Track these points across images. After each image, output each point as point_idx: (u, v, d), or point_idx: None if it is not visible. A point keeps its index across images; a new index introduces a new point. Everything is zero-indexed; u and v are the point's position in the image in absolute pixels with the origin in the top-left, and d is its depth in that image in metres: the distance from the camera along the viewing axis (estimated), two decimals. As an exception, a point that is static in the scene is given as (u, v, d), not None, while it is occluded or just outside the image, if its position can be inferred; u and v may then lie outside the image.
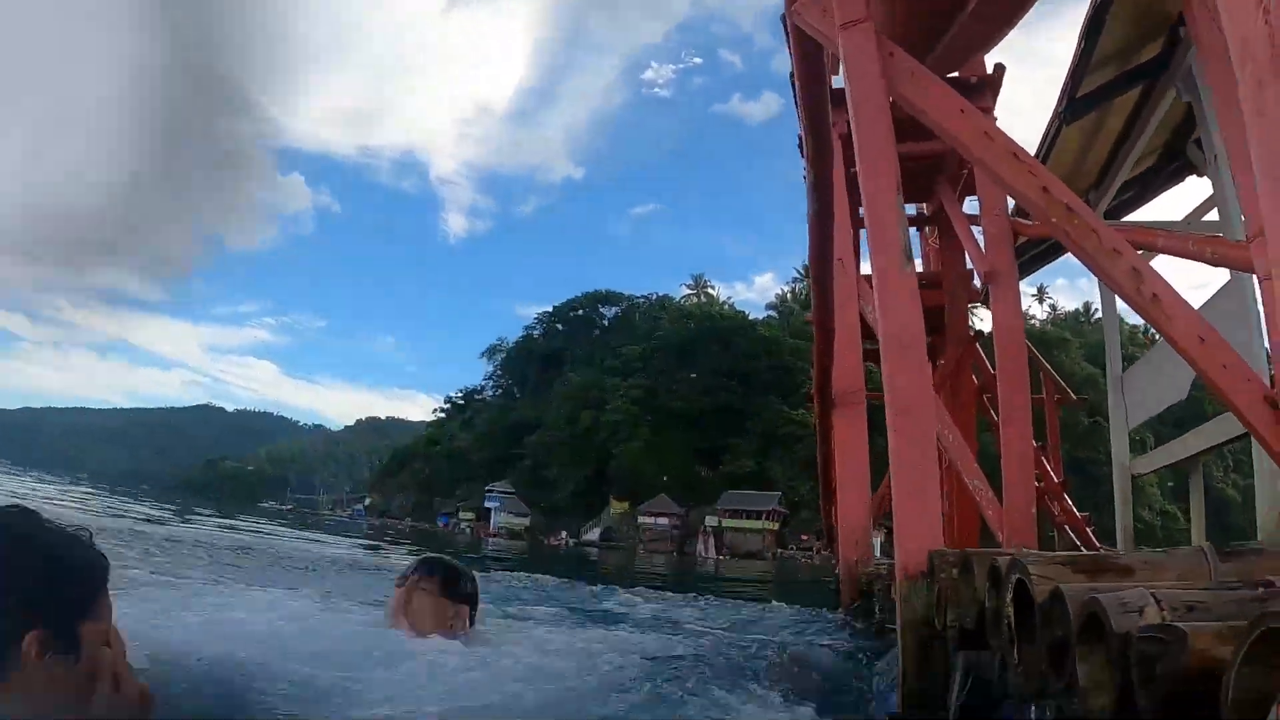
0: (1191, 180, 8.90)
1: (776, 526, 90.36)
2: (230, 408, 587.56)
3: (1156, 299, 3.11)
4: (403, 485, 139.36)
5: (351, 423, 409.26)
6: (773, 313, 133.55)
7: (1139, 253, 3.61)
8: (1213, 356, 3.11)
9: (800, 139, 10.58)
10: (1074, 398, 11.34)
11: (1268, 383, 3.16)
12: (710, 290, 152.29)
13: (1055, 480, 9.77)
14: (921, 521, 2.81)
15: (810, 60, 4.39)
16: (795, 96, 10.13)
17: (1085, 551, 8.50)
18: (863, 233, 9.51)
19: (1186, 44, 6.46)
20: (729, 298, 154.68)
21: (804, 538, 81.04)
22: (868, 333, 7.62)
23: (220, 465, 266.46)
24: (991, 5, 4.45)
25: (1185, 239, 4.11)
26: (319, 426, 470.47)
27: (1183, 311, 3.13)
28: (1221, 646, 1.15)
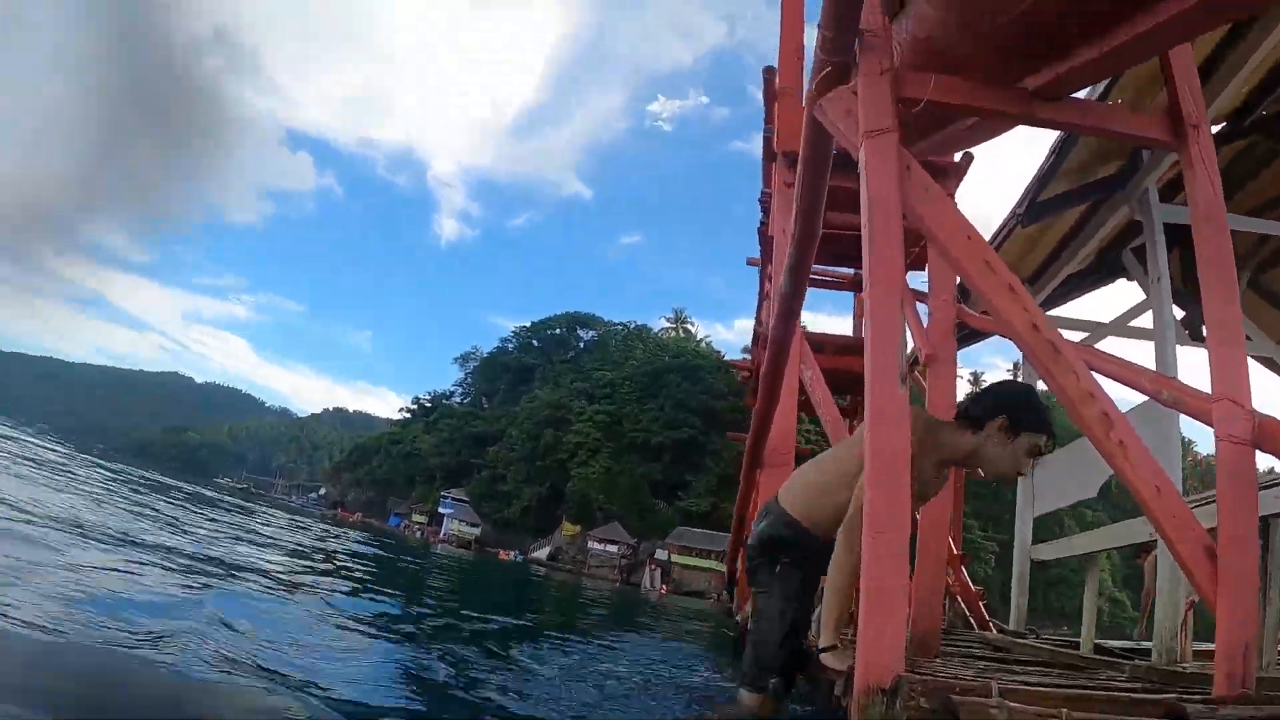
0: (1121, 284, 9.37)
1: (725, 567, 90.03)
2: (199, 378, 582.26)
3: (1123, 445, 3.27)
4: (359, 480, 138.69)
5: (318, 410, 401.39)
6: (748, 355, 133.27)
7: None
8: (1165, 506, 3.29)
9: (763, 195, 10.76)
10: (980, 474, 11.56)
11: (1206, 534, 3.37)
12: (689, 326, 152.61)
13: (954, 552, 10.07)
14: (886, 640, 2.90)
15: (819, 152, 4.47)
16: (768, 152, 10.29)
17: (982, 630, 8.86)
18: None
19: (1146, 169, 6.85)
20: (707, 336, 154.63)
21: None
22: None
23: (182, 435, 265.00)
24: (984, 124, 4.64)
25: (1141, 374, 4.30)
26: (285, 410, 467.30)
27: (1145, 461, 3.29)
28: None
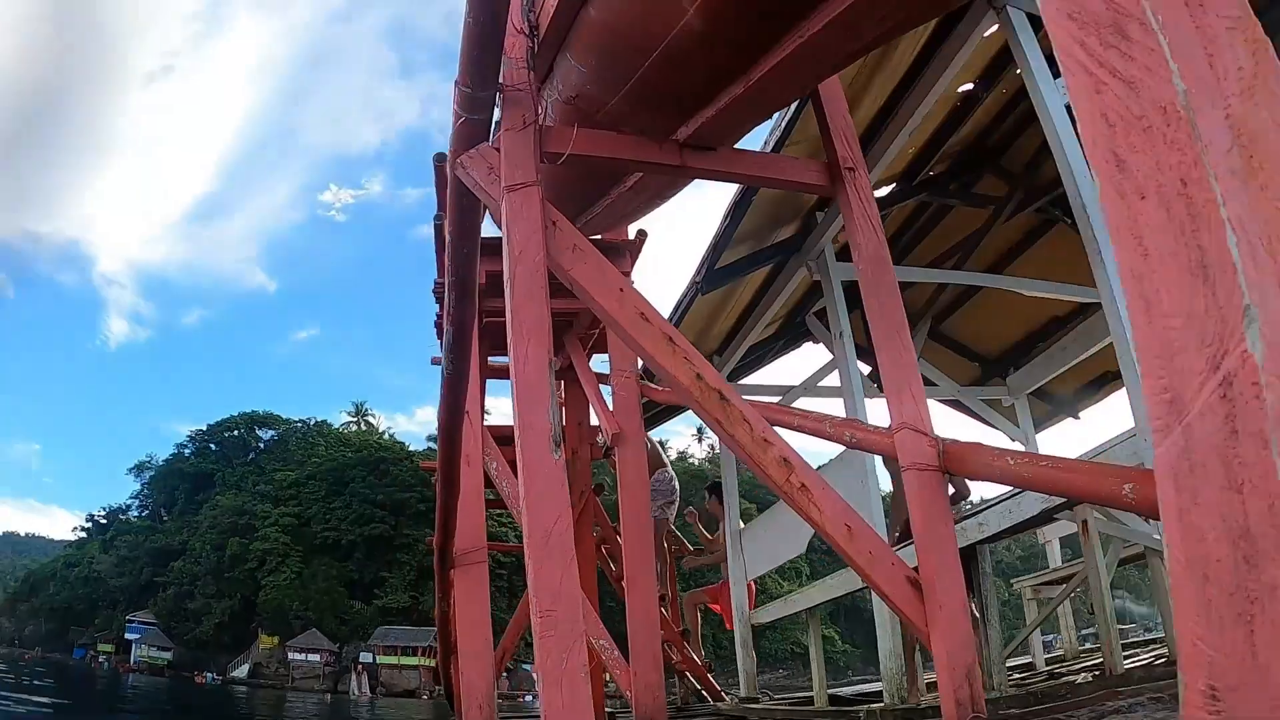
0: (807, 347, 9.77)
1: (434, 662, 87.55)
2: None
3: (805, 489, 3.15)
4: (35, 611, 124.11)
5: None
6: (433, 444, 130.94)
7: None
8: (859, 544, 3.19)
9: (437, 285, 10.37)
10: (690, 550, 11.78)
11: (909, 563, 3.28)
12: (371, 419, 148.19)
13: (675, 629, 10.17)
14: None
15: (466, 214, 4.13)
16: (440, 241, 9.97)
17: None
18: (489, 383, 9.44)
19: (820, 229, 7.03)
20: (389, 428, 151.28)
21: (464, 672, 79.19)
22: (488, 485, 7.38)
23: None
24: (647, 183, 4.52)
25: (824, 421, 4.24)
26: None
27: (830, 501, 3.18)
28: None
